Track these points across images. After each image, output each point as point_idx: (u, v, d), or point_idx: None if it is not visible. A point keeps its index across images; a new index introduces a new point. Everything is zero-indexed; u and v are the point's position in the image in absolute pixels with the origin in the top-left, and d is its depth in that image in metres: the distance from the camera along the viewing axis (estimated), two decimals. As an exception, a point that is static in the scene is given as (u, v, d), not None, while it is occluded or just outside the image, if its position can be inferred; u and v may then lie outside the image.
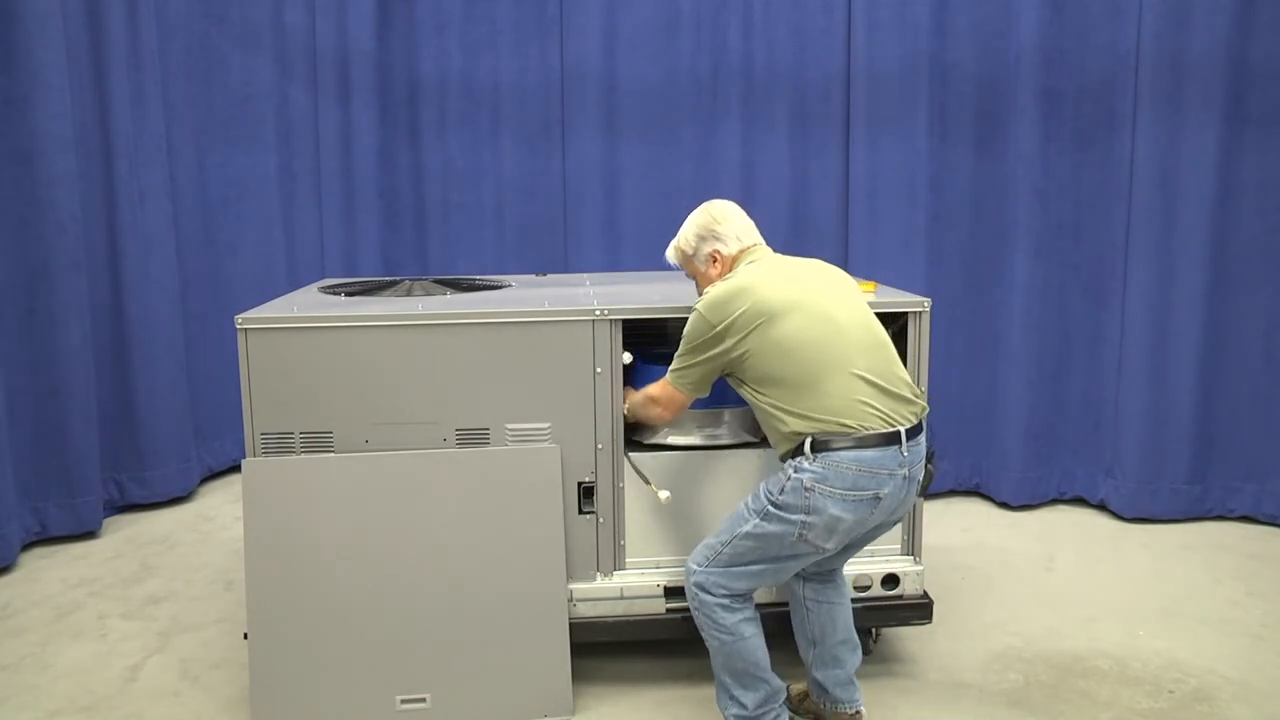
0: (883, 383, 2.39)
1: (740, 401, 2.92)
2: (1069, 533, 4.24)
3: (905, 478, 2.38)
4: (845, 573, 2.73)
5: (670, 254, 2.79)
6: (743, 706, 2.48)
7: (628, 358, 2.84)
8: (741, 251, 2.64)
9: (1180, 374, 4.24)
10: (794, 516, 2.35)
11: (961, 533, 4.23)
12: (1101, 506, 4.49)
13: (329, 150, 4.93)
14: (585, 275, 3.99)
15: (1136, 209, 4.23)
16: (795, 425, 2.37)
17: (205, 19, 4.81)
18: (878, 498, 2.35)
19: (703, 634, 2.51)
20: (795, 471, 2.36)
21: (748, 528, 2.41)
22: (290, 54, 4.93)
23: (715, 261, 2.66)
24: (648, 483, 2.85)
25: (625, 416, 2.84)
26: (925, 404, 2.48)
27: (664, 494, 2.81)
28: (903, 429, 2.36)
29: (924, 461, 2.46)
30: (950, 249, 4.52)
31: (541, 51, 4.79)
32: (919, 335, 2.88)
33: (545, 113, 4.83)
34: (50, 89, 3.94)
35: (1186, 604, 3.51)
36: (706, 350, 2.48)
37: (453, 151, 4.92)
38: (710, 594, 2.46)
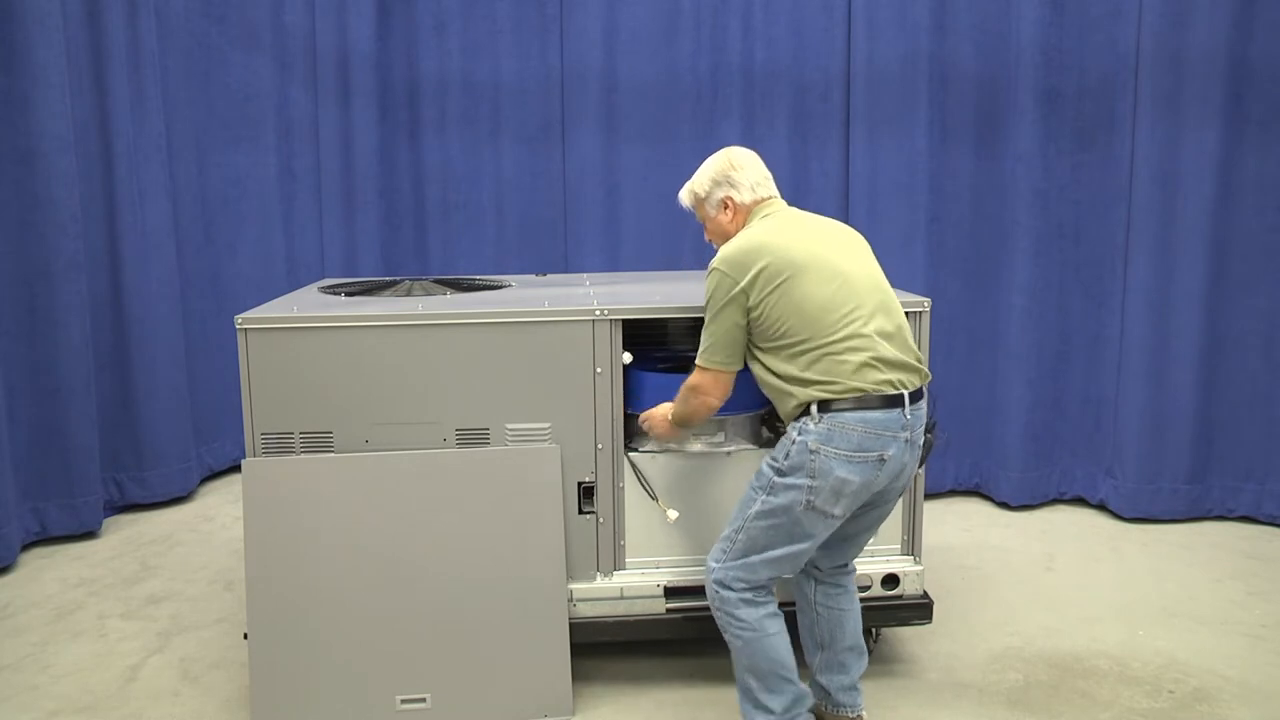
0: (891, 346, 2.36)
1: (739, 409, 2.93)
2: (1069, 533, 4.24)
3: (908, 441, 2.36)
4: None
5: (683, 195, 2.72)
6: (770, 712, 2.41)
7: (628, 358, 2.84)
8: (756, 202, 2.59)
9: (1180, 374, 4.24)
10: (800, 481, 2.31)
11: (961, 533, 4.23)
12: (1101, 506, 4.49)
13: (329, 150, 4.93)
14: (585, 275, 3.99)
15: (1136, 209, 4.23)
16: (802, 393, 2.33)
17: (205, 19, 4.81)
18: (882, 459, 2.32)
19: (725, 636, 2.46)
20: (799, 434, 2.33)
21: (756, 507, 2.38)
22: (290, 54, 4.94)
23: (727, 208, 2.60)
24: (655, 499, 2.86)
25: (663, 435, 2.76)
26: (928, 371, 2.46)
27: (672, 514, 2.83)
28: (906, 393, 2.35)
29: (924, 429, 2.44)
30: (950, 249, 4.52)
31: (541, 51, 4.79)
32: (919, 335, 2.87)
33: (545, 113, 4.83)
34: (50, 89, 3.94)
35: (1186, 604, 3.51)
36: (734, 309, 2.40)
37: (453, 151, 4.92)
38: (731, 589, 2.41)
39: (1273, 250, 4.16)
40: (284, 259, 5.08)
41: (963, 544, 4.09)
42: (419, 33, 4.85)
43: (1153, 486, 4.31)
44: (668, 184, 4.73)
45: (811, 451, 2.30)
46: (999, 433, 4.49)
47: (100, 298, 4.33)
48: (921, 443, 2.43)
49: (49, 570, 3.89)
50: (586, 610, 2.87)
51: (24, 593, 3.68)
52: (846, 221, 4.57)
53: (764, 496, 2.37)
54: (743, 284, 2.38)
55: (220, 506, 4.63)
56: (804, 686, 2.47)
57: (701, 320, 3.46)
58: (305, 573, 2.68)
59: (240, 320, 2.71)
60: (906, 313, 2.86)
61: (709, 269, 2.47)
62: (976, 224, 4.50)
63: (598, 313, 2.79)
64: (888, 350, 2.35)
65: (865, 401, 2.30)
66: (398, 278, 4.04)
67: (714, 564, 2.45)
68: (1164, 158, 4.15)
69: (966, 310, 4.54)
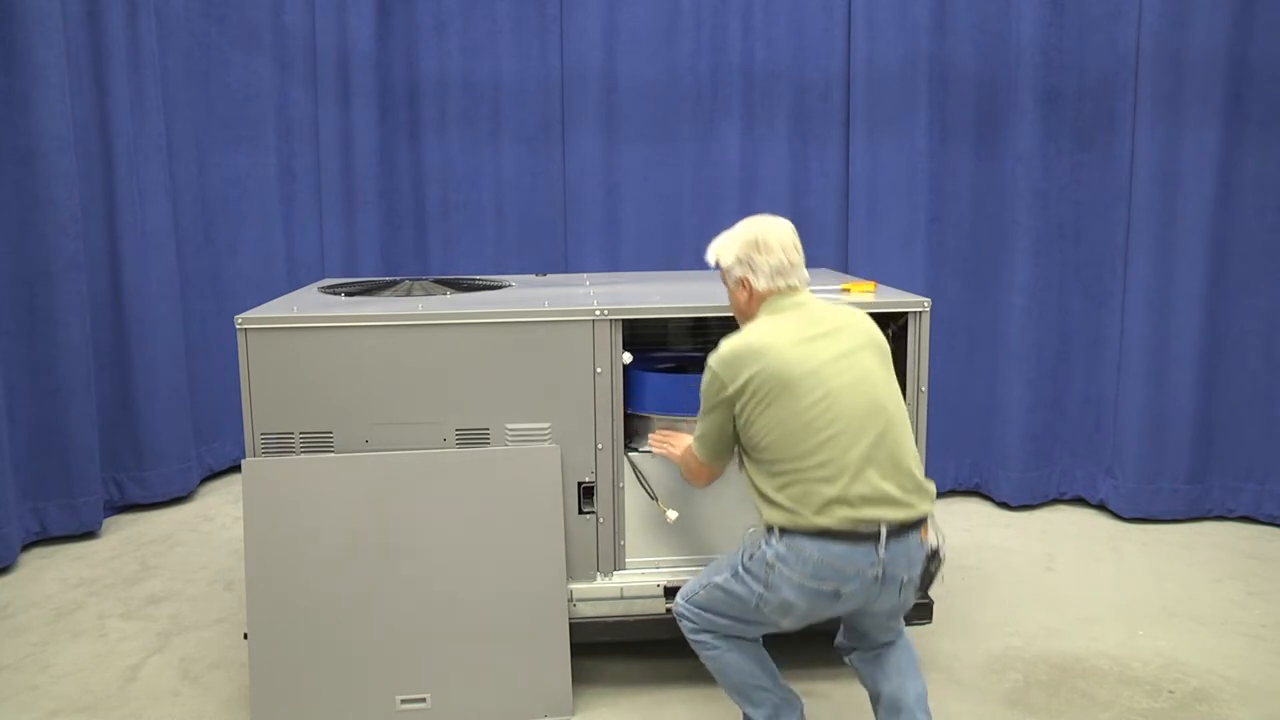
0: (875, 474, 2.22)
1: None
2: (1069, 533, 4.24)
3: (877, 578, 2.22)
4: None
5: (709, 256, 2.57)
6: None
7: (628, 358, 2.84)
8: (772, 291, 2.42)
9: (1180, 374, 4.24)
10: (754, 585, 2.31)
11: (961, 533, 4.23)
12: (1101, 506, 4.49)
13: (329, 150, 4.92)
14: (585, 275, 3.99)
15: (1136, 209, 4.23)
16: (768, 513, 2.31)
17: (205, 19, 4.81)
18: (838, 593, 2.23)
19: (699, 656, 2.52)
20: (764, 544, 2.32)
21: (720, 579, 2.40)
22: (290, 54, 4.94)
23: (744, 287, 2.46)
24: (654, 499, 2.86)
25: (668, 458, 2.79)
26: (927, 505, 2.30)
27: (672, 514, 2.83)
28: (884, 528, 2.20)
29: (909, 559, 2.27)
30: (950, 249, 4.52)
31: (541, 51, 4.79)
32: (919, 335, 2.88)
33: (545, 113, 4.83)
34: (50, 89, 3.94)
35: (1186, 604, 3.51)
36: (721, 411, 2.36)
37: (453, 151, 4.92)
38: (684, 621, 2.50)
39: (1273, 250, 4.16)
40: (284, 259, 5.08)
41: (963, 544, 4.09)
42: (419, 33, 4.85)
43: (1153, 486, 4.31)
44: (668, 184, 4.75)
45: (768, 565, 2.27)
46: (999, 433, 4.49)
47: (100, 298, 4.33)
48: (911, 576, 2.29)
49: (49, 570, 3.89)
50: (586, 610, 2.87)
51: (24, 593, 3.68)
52: (846, 222, 4.62)
53: (728, 575, 2.39)
54: (730, 391, 2.31)
55: (220, 506, 4.63)
56: (787, 691, 2.47)
57: (701, 320, 3.48)
58: (305, 573, 2.68)
59: (240, 320, 2.71)
60: (906, 313, 2.87)
61: (708, 362, 2.38)
62: (976, 224, 4.50)
63: (598, 313, 2.79)
64: (868, 482, 2.21)
65: (834, 534, 2.21)
66: (398, 278, 4.04)
67: (680, 598, 2.51)
68: (1164, 158, 4.15)
69: (966, 310, 4.53)
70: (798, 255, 2.45)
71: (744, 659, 2.44)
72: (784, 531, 2.25)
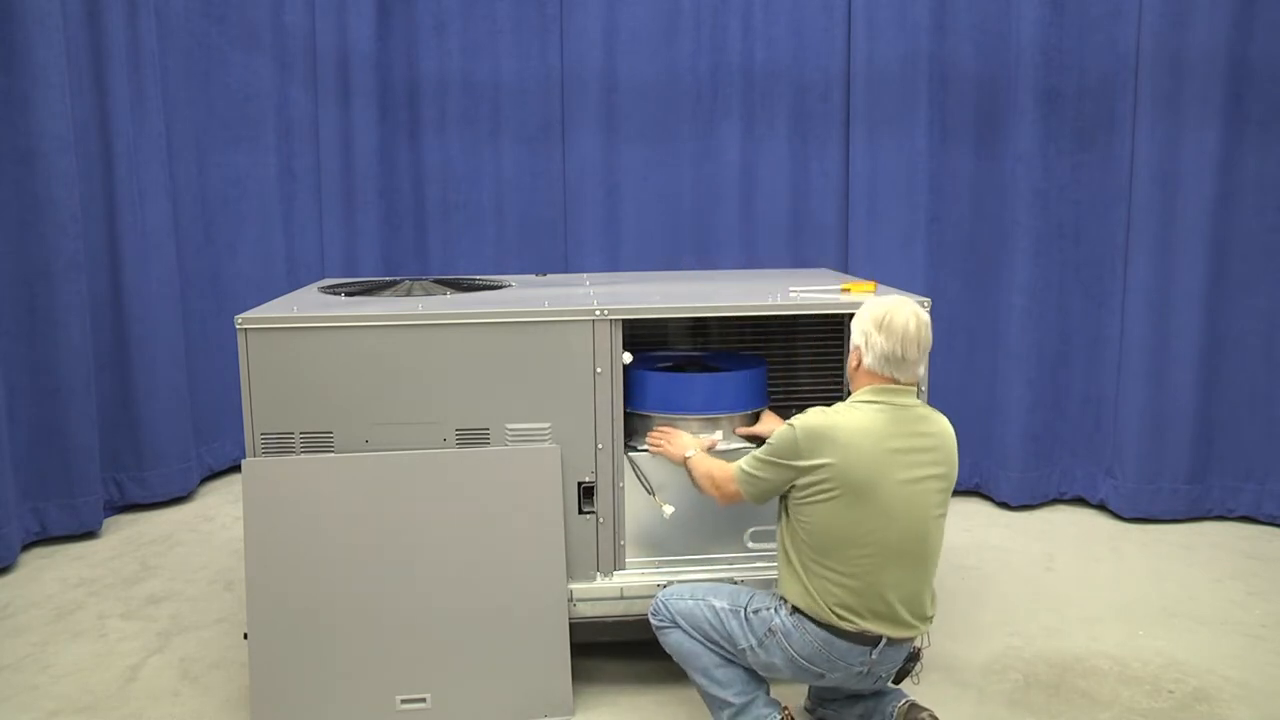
0: (893, 597, 2.35)
1: (737, 407, 2.93)
2: (1069, 533, 4.24)
3: (861, 674, 2.40)
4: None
5: None
6: (729, 704, 2.49)
7: (628, 358, 2.84)
8: (877, 376, 2.41)
9: (1180, 374, 4.24)
10: (749, 636, 2.44)
11: (961, 533, 4.23)
12: (1101, 506, 4.49)
13: (329, 150, 4.93)
14: (585, 275, 3.99)
15: (1136, 209, 4.23)
16: (787, 584, 2.43)
17: (205, 19, 4.81)
18: (822, 675, 2.41)
19: (662, 642, 2.59)
20: (774, 609, 2.43)
21: (720, 604, 2.49)
22: (290, 54, 4.94)
23: (856, 355, 2.46)
24: (652, 494, 2.86)
25: (667, 457, 2.81)
26: (926, 628, 2.45)
27: (668, 509, 2.83)
28: (885, 637, 2.36)
29: (894, 662, 2.44)
30: (950, 249, 4.52)
31: (541, 51, 4.79)
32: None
33: (545, 113, 4.83)
34: (50, 89, 3.94)
35: (1186, 604, 3.51)
36: (786, 473, 2.39)
37: (453, 151, 4.92)
38: (657, 616, 2.60)
39: (1273, 250, 4.16)
40: (284, 259, 5.08)
41: (963, 544, 4.09)
42: (419, 33, 4.86)
43: (1153, 486, 4.31)
44: (668, 184, 4.75)
45: (770, 631, 2.41)
46: (999, 433, 4.49)
47: (100, 298, 4.33)
48: (890, 672, 2.46)
49: (49, 570, 3.89)
50: (586, 610, 2.87)
51: (24, 593, 3.68)
52: (846, 222, 4.62)
53: (728, 606, 2.48)
54: (802, 464, 2.36)
55: (220, 506, 4.63)
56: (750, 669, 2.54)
57: (701, 320, 3.47)
58: (305, 573, 2.68)
59: (240, 320, 2.71)
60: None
61: (791, 420, 2.40)
62: (976, 224, 4.50)
63: (598, 313, 2.79)
64: (885, 601, 2.34)
65: (841, 632, 2.35)
66: (398, 278, 4.04)
67: (662, 599, 2.58)
68: (1164, 158, 4.15)
69: (966, 310, 4.54)
70: (917, 352, 2.40)
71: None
72: (795, 608, 2.39)
